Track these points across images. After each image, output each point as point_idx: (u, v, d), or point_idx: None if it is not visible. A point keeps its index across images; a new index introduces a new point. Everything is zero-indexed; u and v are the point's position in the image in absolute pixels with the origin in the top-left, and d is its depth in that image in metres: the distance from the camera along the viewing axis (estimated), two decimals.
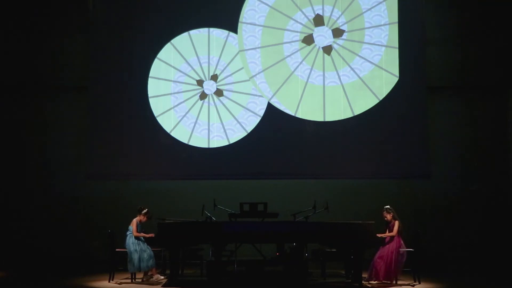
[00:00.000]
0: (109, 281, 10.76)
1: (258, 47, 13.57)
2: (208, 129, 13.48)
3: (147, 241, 10.88)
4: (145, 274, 11.01)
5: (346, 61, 13.49)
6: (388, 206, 10.83)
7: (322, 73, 13.51)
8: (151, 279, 10.93)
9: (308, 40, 13.56)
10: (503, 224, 13.72)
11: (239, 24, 13.59)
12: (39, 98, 14.12)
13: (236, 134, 13.48)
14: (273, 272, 11.11)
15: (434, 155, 13.59)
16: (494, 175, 13.92)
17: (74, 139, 13.93)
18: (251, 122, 13.49)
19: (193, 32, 13.64)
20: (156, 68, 13.56)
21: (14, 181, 13.95)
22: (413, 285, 10.52)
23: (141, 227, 10.94)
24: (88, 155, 13.47)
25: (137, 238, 10.82)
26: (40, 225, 13.76)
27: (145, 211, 10.98)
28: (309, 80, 13.50)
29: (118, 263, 10.88)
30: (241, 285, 10.58)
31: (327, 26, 13.58)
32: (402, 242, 10.61)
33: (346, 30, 13.54)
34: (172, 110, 13.53)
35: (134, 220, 10.90)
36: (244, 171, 13.38)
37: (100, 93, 13.56)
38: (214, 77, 13.57)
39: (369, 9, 13.54)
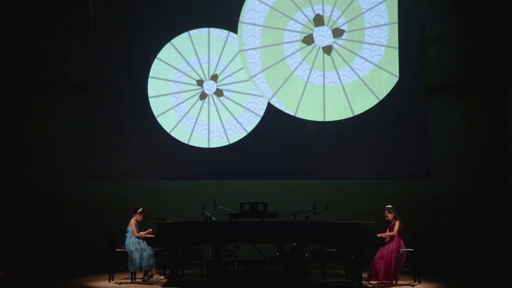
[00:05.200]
0: (109, 281, 10.77)
1: (258, 47, 13.57)
2: (208, 129, 13.48)
3: (147, 240, 10.90)
4: (145, 273, 11.02)
5: (346, 61, 13.49)
6: (389, 206, 10.85)
7: (322, 73, 13.51)
8: (151, 279, 10.94)
9: (308, 40, 13.56)
10: (503, 224, 13.71)
11: (239, 24, 13.59)
12: (39, 98, 14.11)
13: (236, 134, 13.47)
14: (273, 272, 11.12)
15: (434, 155, 13.59)
16: (494, 175, 13.92)
17: (74, 139, 13.92)
18: (251, 122, 13.49)
19: (193, 32, 13.64)
20: (156, 68, 13.55)
21: (14, 181, 13.94)
22: (413, 285, 10.53)
23: (138, 226, 10.95)
24: (88, 155, 13.47)
25: (137, 237, 10.83)
26: (40, 225, 13.76)
27: (140, 210, 11.02)
28: (309, 80, 13.50)
29: (118, 263, 10.88)
30: (241, 285, 10.59)
31: (327, 26, 13.58)
32: (402, 242, 10.62)
33: (346, 30, 13.54)
34: (172, 110, 13.53)
35: (132, 221, 10.92)
36: (244, 171, 13.38)
37: (100, 93, 13.55)
38: (214, 77, 13.57)
39: (369, 9, 13.54)
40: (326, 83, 13.49)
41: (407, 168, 13.35)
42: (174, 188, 13.64)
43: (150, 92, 13.54)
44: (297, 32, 13.57)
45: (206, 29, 13.62)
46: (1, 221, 13.77)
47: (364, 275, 10.71)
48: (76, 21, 13.97)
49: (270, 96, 13.49)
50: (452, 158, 13.95)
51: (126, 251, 10.81)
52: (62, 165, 13.92)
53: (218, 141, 13.45)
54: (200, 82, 13.58)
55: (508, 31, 13.84)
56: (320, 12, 13.59)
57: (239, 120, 13.48)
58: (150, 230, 10.87)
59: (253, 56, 13.56)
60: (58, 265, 13.05)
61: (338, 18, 13.56)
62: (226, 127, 13.47)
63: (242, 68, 13.56)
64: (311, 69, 13.50)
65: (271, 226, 10.68)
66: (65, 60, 14.01)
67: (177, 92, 13.54)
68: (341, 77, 13.47)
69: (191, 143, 13.46)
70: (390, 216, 10.74)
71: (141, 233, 10.91)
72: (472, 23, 13.96)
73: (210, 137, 13.46)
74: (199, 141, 13.45)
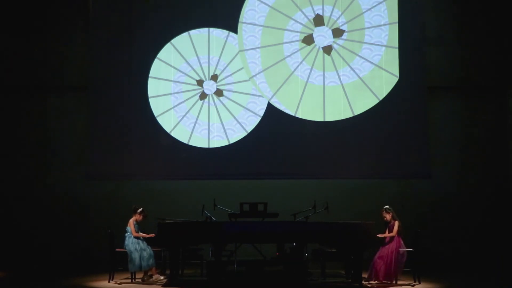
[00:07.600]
0: (109, 281, 10.76)
1: (258, 47, 13.57)
2: (208, 129, 13.48)
3: (147, 240, 10.89)
4: (145, 273, 11.01)
5: (346, 61, 13.49)
6: (387, 206, 10.83)
7: (322, 73, 13.51)
8: (151, 279, 10.93)
9: (308, 40, 13.56)
10: (503, 224, 13.72)
11: (239, 24, 13.59)
12: (39, 98, 14.11)
13: (236, 134, 13.48)
14: (273, 272, 11.11)
15: (434, 155, 13.59)
16: (494, 175, 13.92)
17: (74, 139, 13.93)
18: (251, 122, 13.49)
19: (193, 32, 13.65)
20: (156, 68, 13.56)
21: (14, 180, 13.94)
22: (413, 285, 10.52)
23: (138, 226, 10.94)
24: (88, 155, 13.47)
25: (136, 237, 10.82)
26: (40, 225, 13.76)
27: (140, 209, 10.99)
28: (309, 80, 13.50)
29: (118, 263, 10.88)
30: (241, 285, 10.59)
31: (327, 26, 13.58)
32: (402, 242, 10.61)
33: (346, 30, 13.54)
34: (172, 110, 13.54)
35: (131, 221, 10.91)
36: (244, 171, 13.39)
37: (100, 93, 13.56)
38: (214, 77, 13.57)
39: (369, 9, 13.55)
40: (326, 83, 13.50)
41: (407, 168, 13.36)
42: (174, 188, 13.64)
43: (150, 92, 13.54)
44: (297, 32, 13.57)
45: (206, 29, 13.63)
46: (1, 221, 13.76)
47: (364, 275, 10.70)
48: (75, 21, 13.98)
49: (270, 96, 13.49)
50: (452, 158, 13.95)
51: (126, 251, 10.80)
52: (62, 165, 13.92)
53: (218, 141, 13.46)
54: (200, 82, 13.58)
55: (508, 31, 13.84)
56: (320, 12, 13.59)
57: (239, 120, 13.48)
58: (153, 235, 10.81)
59: (253, 56, 13.56)
60: (58, 265, 13.05)
61: (338, 18, 13.56)
62: (226, 127, 13.47)
63: (242, 68, 13.56)
64: (311, 69, 13.50)
65: (271, 226, 10.67)
66: (65, 60, 14.02)
67: (177, 92, 13.55)
68: (341, 77, 13.47)
69: (191, 143, 13.46)
70: (388, 217, 10.72)
71: (140, 233, 10.90)
72: (472, 23, 13.97)
73: (210, 137, 13.46)
74: (199, 141, 13.46)
